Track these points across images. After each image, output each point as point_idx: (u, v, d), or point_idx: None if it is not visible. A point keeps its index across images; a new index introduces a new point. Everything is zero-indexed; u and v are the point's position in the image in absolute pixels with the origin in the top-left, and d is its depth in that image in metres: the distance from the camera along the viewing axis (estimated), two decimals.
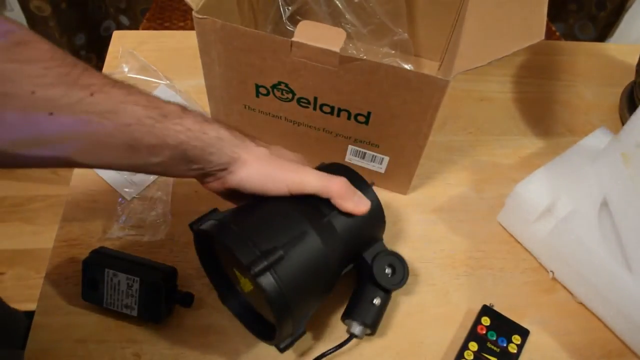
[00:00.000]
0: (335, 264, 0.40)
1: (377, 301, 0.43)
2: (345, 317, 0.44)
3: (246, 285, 0.40)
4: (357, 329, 0.43)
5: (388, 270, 0.43)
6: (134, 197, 0.53)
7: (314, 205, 0.41)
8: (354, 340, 0.45)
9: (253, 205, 0.41)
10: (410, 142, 0.48)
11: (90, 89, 0.32)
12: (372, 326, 0.43)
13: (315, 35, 0.42)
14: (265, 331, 0.42)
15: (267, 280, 0.36)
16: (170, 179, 0.54)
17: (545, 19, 0.41)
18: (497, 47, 0.40)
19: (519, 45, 0.40)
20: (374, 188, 0.44)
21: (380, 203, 0.44)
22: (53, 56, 0.31)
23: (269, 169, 0.39)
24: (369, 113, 0.47)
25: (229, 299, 0.44)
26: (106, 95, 0.32)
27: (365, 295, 0.43)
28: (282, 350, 0.40)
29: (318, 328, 0.46)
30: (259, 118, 0.52)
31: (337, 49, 0.42)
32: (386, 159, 0.51)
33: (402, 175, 0.53)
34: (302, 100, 0.48)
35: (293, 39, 0.42)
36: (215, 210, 0.41)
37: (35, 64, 0.30)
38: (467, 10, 0.45)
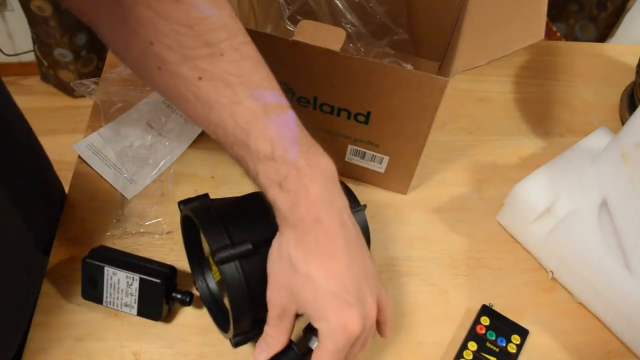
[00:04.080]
0: None
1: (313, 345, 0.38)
2: (307, 330, 0.39)
3: (216, 273, 0.41)
4: (315, 344, 0.38)
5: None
6: (134, 196, 0.53)
7: None
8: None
9: (242, 198, 0.42)
10: (410, 142, 0.48)
11: (200, 74, 0.32)
12: None
13: (315, 34, 0.42)
14: (227, 324, 0.42)
15: (230, 270, 0.36)
16: (170, 178, 0.55)
17: (545, 18, 0.41)
18: (496, 47, 0.40)
19: (518, 45, 0.40)
20: (369, 188, 0.44)
21: (368, 227, 0.42)
22: (194, 25, 0.31)
23: (292, 276, 0.33)
24: (368, 113, 0.47)
25: (201, 285, 0.45)
26: (213, 88, 0.32)
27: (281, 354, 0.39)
28: (234, 345, 0.39)
29: None
30: None
31: (337, 49, 0.42)
32: (386, 158, 0.51)
33: (402, 174, 0.53)
34: (301, 99, 0.48)
35: (293, 38, 0.42)
36: (206, 195, 0.41)
37: (170, 22, 0.31)
38: (467, 10, 0.45)
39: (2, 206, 0.41)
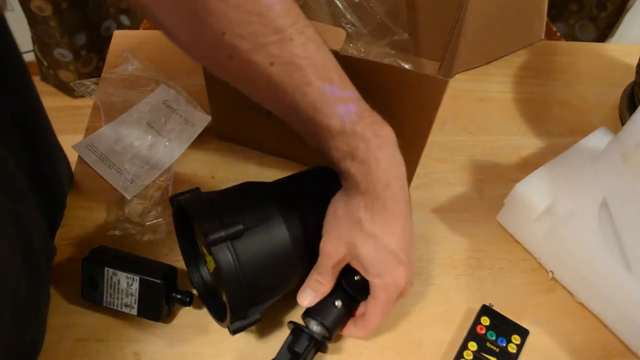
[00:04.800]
0: (300, 255, 0.40)
1: (338, 303, 0.41)
2: (305, 315, 0.42)
3: (211, 263, 0.41)
4: (314, 327, 0.41)
5: (358, 277, 0.41)
6: (134, 197, 0.53)
7: (291, 196, 0.42)
8: (353, 341, 0.45)
9: (231, 187, 0.42)
10: (410, 142, 0.48)
11: (272, 59, 0.33)
12: (329, 329, 0.41)
13: None
14: (225, 315, 0.42)
15: (222, 251, 0.36)
16: (170, 178, 0.55)
17: (545, 19, 0.41)
18: (497, 47, 0.40)
19: (518, 46, 0.40)
20: None
21: None
22: (264, 13, 0.32)
23: (352, 232, 0.38)
24: None
25: (197, 280, 0.45)
26: (284, 71, 0.34)
27: (329, 295, 0.41)
28: (233, 333, 0.39)
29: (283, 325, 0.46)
30: (259, 118, 0.52)
31: (337, 48, 0.42)
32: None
33: None
34: None
35: None
36: (197, 188, 0.42)
37: (241, 12, 0.32)
38: (467, 10, 0.45)
39: (24, 192, 0.42)
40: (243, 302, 0.38)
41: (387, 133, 0.37)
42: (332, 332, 0.41)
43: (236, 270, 0.37)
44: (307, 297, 0.41)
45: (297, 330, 0.41)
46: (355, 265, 0.39)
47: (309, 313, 0.42)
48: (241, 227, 0.37)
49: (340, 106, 0.35)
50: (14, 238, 0.36)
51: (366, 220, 0.37)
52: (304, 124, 0.37)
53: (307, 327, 0.41)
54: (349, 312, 0.42)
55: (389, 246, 0.38)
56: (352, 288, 0.41)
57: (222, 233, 0.36)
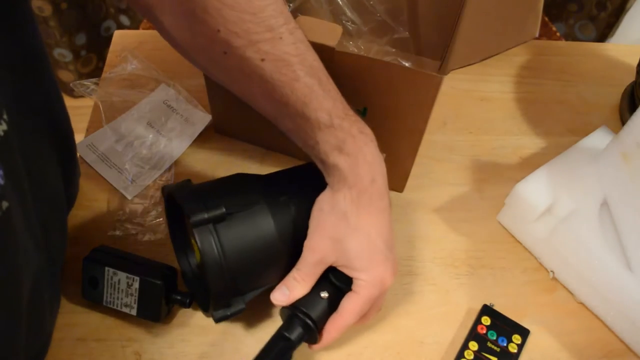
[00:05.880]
0: (284, 244, 0.39)
1: (324, 294, 0.39)
2: (292, 307, 0.40)
3: (197, 253, 0.41)
4: (297, 331, 0.39)
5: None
6: (135, 196, 0.53)
7: (279, 187, 0.42)
8: (353, 340, 0.45)
9: (218, 179, 0.43)
10: (406, 139, 0.48)
11: (263, 56, 0.35)
12: (315, 321, 0.39)
13: (312, 30, 0.42)
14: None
15: (205, 234, 0.37)
16: (170, 178, 0.54)
17: (540, 17, 0.41)
18: (491, 45, 0.40)
19: (512, 44, 0.40)
20: None
21: None
22: (257, 13, 0.34)
23: (337, 227, 0.37)
24: (364, 109, 0.47)
25: (187, 271, 0.45)
26: (275, 67, 0.35)
27: (315, 287, 0.40)
28: (216, 320, 0.39)
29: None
30: (259, 117, 0.52)
31: (333, 44, 0.42)
32: (382, 155, 0.51)
33: (398, 172, 0.53)
34: None
35: None
36: (188, 180, 0.42)
37: (236, 10, 0.34)
38: (465, 8, 0.45)
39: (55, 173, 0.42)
40: (225, 287, 0.38)
41: (369, 132, 0.38)
42: (318, 325, 0.39)
43: (218, 253, 0.37)
44: (279, 296, 0.39)
45: (291, 316, 0.39)
46: (339, 264, 0.38)
47: (295, 305, 0.40)
48: (224, 210, 0.37)
49: (328, 101, 0.37)
50: (38, 236, 0.36)
51: (352, 214, 0.37)
52: (292, 119, 0.37)
53: (299, 314, 0.39)
54: (335, 302, 0.40)
55: (375, 240, 0.37)
56: (336, 277, 0.40)
57: (205, 215, 0.36)
